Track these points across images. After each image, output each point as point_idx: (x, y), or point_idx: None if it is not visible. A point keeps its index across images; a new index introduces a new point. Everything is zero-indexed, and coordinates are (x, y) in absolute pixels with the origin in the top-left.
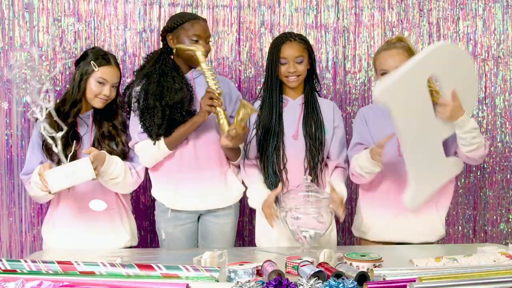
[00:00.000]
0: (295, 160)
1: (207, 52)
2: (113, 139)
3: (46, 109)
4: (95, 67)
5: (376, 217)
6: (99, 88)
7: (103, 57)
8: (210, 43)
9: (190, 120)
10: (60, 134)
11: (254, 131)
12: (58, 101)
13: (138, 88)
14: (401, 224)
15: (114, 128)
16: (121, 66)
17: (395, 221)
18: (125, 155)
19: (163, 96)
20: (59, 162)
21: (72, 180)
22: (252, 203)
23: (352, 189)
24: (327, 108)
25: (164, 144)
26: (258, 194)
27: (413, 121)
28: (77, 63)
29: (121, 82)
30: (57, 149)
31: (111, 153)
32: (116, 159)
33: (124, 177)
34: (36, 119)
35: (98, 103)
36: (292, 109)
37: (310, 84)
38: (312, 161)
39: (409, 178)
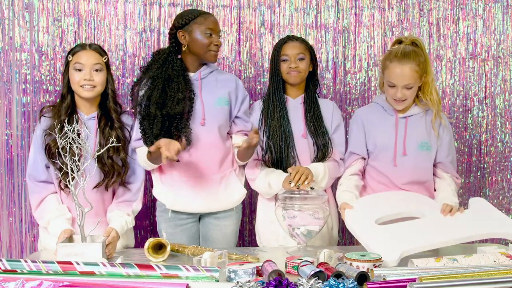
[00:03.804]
0: (305, 158)
1: (219, 46)
2: (116, 149)
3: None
4: (70, 58)
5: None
6: (78, 75)
7: (77, 46)
8: (221, 38)
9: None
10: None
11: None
12: (58, 100)
13: (143, 91)
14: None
15: (117, 136)
16: (121, 66)
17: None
18: (124, 163)
19: (165, 105)
20: (62, 161)
21: (79, 258)
22: (269, 180)
23: None
24: (327, 108)
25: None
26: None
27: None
28: None
29: (121, 82)
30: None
31: (112, 164)
32: (122, 228)
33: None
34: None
35: (84, 92)
36: (293, 108)
37: (312, 84)
38: (323, 158)
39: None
